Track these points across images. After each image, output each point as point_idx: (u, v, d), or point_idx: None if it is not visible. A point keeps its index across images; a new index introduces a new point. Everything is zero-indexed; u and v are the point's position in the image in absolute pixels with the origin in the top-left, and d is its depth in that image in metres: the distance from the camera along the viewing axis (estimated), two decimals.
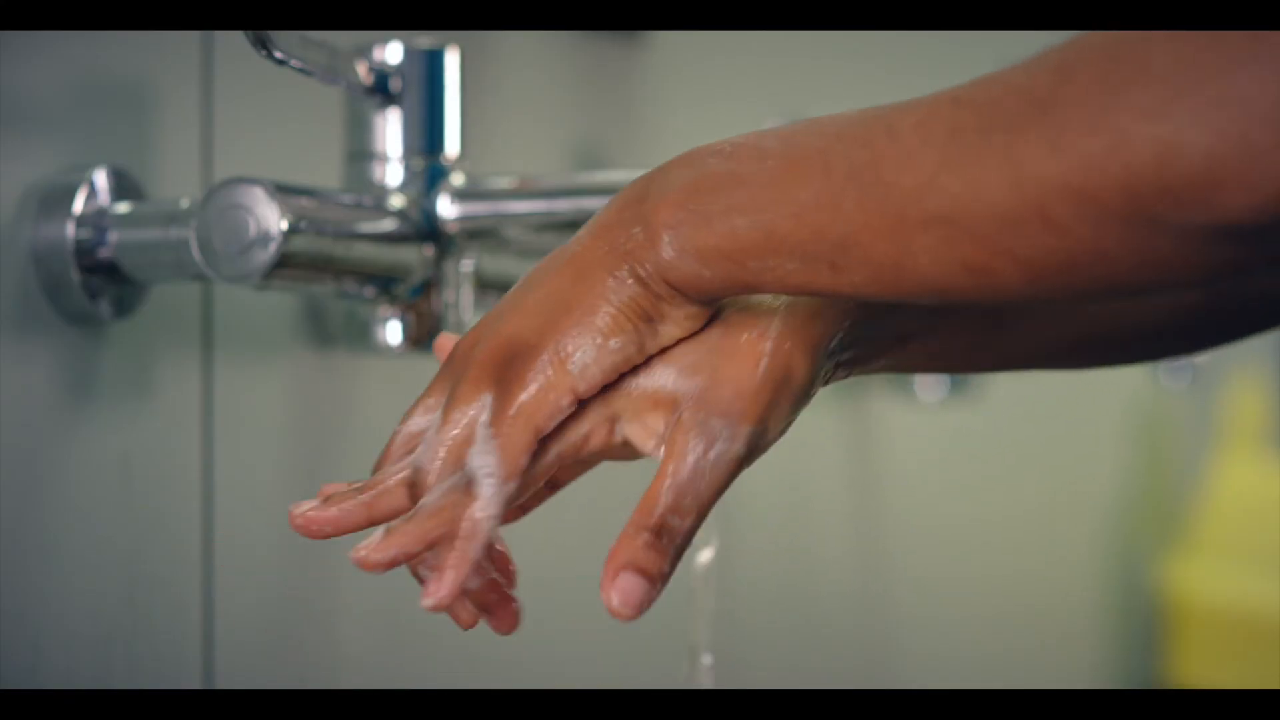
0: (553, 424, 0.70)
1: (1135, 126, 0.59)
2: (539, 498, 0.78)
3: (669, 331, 0.70)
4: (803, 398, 0.73)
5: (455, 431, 0.70)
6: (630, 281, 0.69)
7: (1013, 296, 0.65)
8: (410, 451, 0.72)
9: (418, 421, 0.72)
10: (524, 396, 0.69)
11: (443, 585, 0.69)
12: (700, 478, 0.70)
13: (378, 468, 0.73)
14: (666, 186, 0.68)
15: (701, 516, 0.70)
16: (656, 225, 0.68)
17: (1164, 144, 0.59)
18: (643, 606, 0.70)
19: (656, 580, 0.70)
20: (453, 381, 0.71)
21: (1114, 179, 0.60)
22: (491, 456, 0.69)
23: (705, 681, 0.87)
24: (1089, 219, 0.61)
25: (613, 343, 0.69)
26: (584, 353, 0.69)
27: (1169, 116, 0.59)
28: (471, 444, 0.69)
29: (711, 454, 0.70)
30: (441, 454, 0.70)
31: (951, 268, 0.64)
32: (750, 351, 0.71)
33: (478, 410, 0.70)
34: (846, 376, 0.77)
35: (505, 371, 0.69)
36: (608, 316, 0.69)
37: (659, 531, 0.70)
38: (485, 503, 0.69)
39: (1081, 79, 0.61)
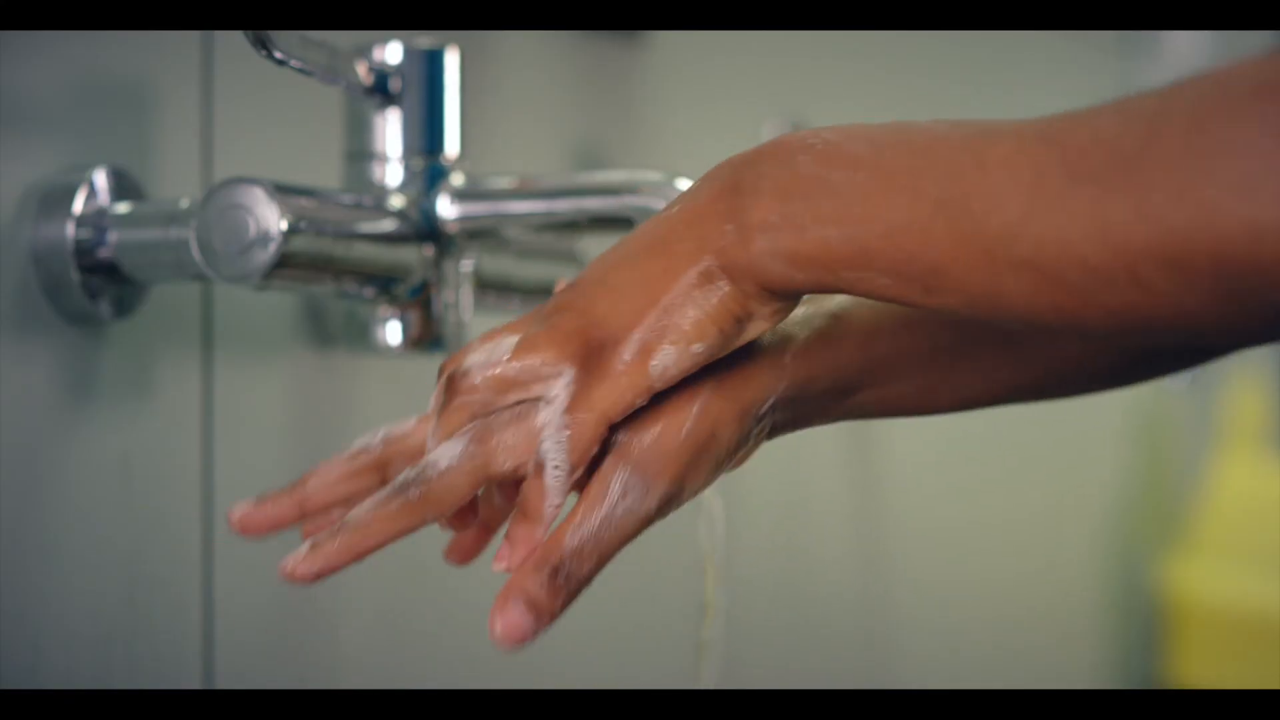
0: (621, 418, 0.71)
1: (1224, 202, 0.60)
2: (479, 541, 0.78)
3: (756, 327, 0.71)
4: (726, 459, 0.74)
5: (528, 397, 0.71)
6: (720, 281, 0.69)
7: (1105, 336, 0.65)
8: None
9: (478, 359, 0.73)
10: (602, 391, 0.70)
11: (514, 557, 0.71)
12: (607, 528, 0.71)
13: (451, 393, 0.73)
14: (759, 184, 0.68)
15: (601, 564, 0.72)
16: (749, 226, 0.68)
17: (1253, 224, 0.59)
18: (525, 640, 0.71)
19: (545, 617, 0.71)
20: (534, 329, 0.71)
21: (1203, 251, 0.60)
22: (562, 449, 0.70)
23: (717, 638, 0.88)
24: (1178, 283, 0.61)
25: (695, 347, 0.70)
26: (666, 355, 0.70)
27: (1258, 196, 0.59)
28: (543, 425, 0.71)
29: (621, 508, 0.71)
30: (510, 414, 0.71)
31: (1041, 308, 0.65)
32: (677, 410, 0.71)
33: (554, 376, 0.70)
34: (791, 431, 0.78)
35: (588, 358, 0.70)
36: (693, 320, 0.70)
37: (557, 572, 0.71)
38: (553, 494, 0.71)
39: (1169, 141, 0.61)
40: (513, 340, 0.71)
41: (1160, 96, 0.63)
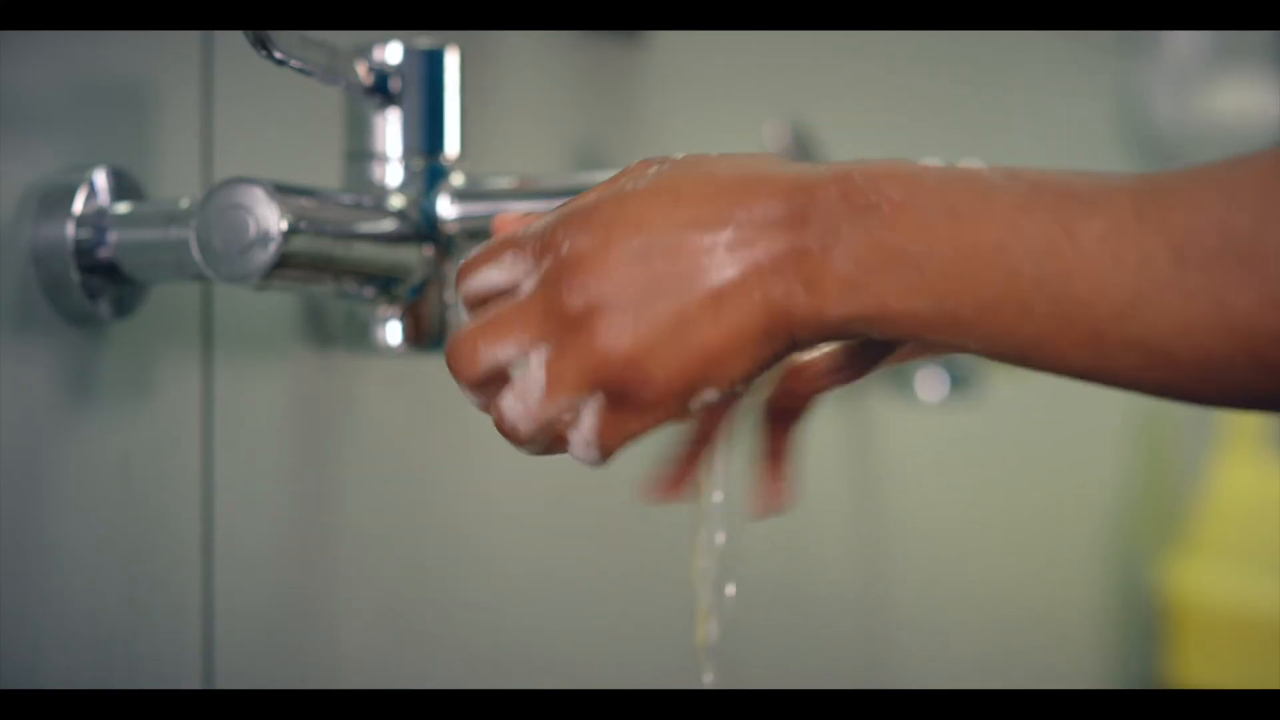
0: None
1: None
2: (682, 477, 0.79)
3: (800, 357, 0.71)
4: None
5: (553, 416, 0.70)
6: (781, 337, 0.68)
7: (1213, 406, 0.65)
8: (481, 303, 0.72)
9: (491, 277, 0.72)
10: (635, 420, 0.69)
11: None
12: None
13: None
14: (829, 249, 0.66)
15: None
16: (824, 292, 0.66)
17: None
18: None
19: None
20: (548, 318, 0.69)
21: None
22: (593, 454, 0.70)
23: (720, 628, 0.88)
24: None
25: (739, 388, 0.69)
26: (709, 395, 0.69)
27: None
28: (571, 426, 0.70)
29: None
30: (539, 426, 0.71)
31: (1149, 383, 0.64)
32: None
33: (584, 403, 0.69)
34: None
35: (621, 391, 0.68)
36: (744, 371, 0.68)
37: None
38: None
39: None
40: (539, 368, 0.69)
41: (1264, 174, 0.62)
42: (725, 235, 0.67)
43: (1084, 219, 0.63)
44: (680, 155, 0.71)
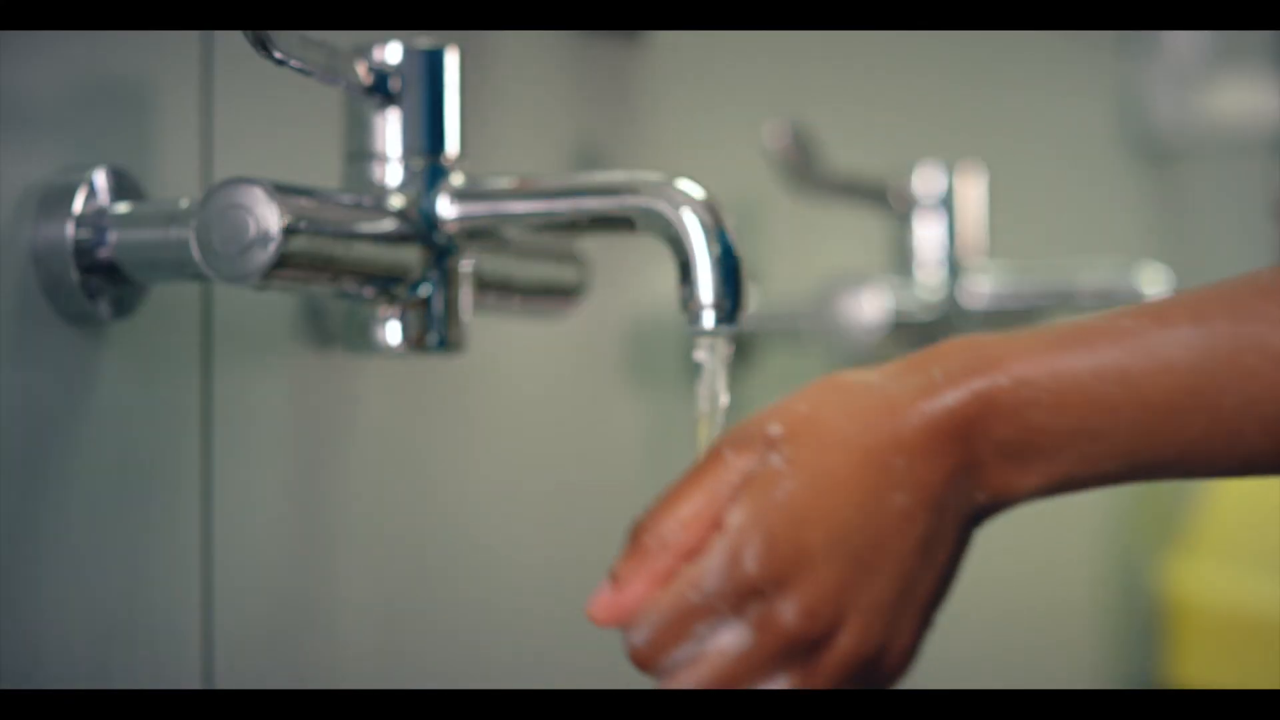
0: None
1: None
2: None
3: None
4: None
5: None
6: (969, 529, 0.68)
7: None
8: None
9: (688, 651, 0.69)
10: (829, 682, 0.68)
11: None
12: None
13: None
14: (1006, 450, 0.66)
15: None
16: (1006, 489, 0.67)
17: None
18: None
19: None
20: (783, 654, 0.68)
21: None
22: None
23: None
24: None
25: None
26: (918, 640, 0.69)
27: None
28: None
29: None
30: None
31: None
32: None
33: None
34: None
35: (872, 675, 0.68)
36: (948, 588, 0.69)
37: None
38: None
39: None
40: (733, 647, 0.68)
41: None
42: (900, 487, 0.67)
43: (1262, 330, 0.63)
44: (775, 427, 0.69)
